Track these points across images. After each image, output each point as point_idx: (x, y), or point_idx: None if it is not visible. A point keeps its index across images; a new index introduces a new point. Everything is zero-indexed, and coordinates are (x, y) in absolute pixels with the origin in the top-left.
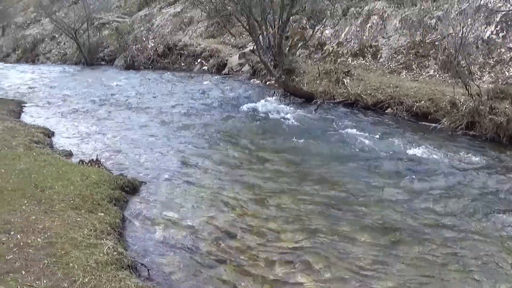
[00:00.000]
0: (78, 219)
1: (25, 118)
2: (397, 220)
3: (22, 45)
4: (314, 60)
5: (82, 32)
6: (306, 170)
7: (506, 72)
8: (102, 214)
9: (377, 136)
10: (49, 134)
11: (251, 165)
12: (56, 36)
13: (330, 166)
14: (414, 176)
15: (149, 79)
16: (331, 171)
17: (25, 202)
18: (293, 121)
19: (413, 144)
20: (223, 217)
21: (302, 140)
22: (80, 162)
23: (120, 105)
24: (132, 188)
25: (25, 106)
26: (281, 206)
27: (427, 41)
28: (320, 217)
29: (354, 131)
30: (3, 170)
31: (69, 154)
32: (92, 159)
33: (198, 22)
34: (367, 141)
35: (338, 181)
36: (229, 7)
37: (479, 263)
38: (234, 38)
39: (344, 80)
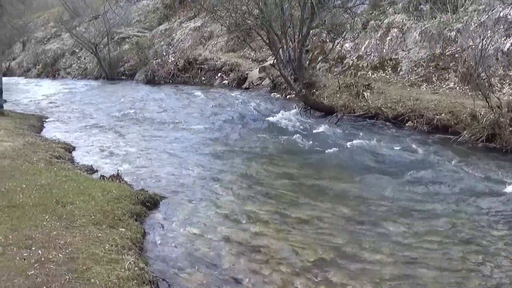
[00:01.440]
0: (99, 234)
1: (46, 133)
2: (419, 235)
3: (43, 60)
4: (334, 73)
5: (102, 46)
6: (326, 184)
7: None
8: (123, 229)
9: (398, 150)
10: (70, 149)
11: (272, 179)
12: (77, 51)
13: (351, 180)
14: (436, 190)
15: (170, 94)
16: (352, 184)
17: (46, 217)
18: (314, 135)
19: (434, 157)
20: (244, 231)
21: (323, 154)
22: (101, 177)
23: (140, 120)
24: (153, 203)
25: (46, 121)
26: (303, 220)
27: (447, 53)
28: (341, 231)
29: (374, 144)
30: (24, 186)
31: (90, 169)
32: (113, 174)
33: (218, 37)
34: (387, 155)
35: (359, 194)
36: (249, 21)
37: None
38: (254, 52)
39: (365, 93)
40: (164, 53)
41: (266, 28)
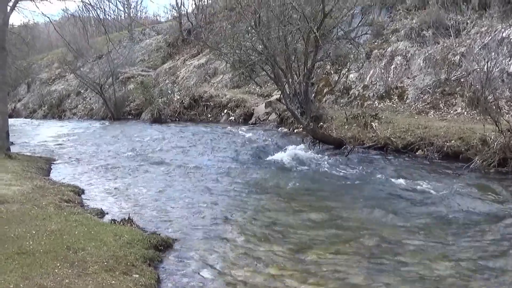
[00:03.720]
0: (113, 281)
1: (54, 175)
2: (437, 271)
3: (48, 101)
4: (341, 105)
5: (107, 86)
6: (340, 220)
7: None
8: (137, 275)
9: (409, 180)
10: (79, 192)
11: (285, 217)
12: (82, 91)
13: (364, 214)
14: (449, 222)
15: (177, 132)
16: (366, 219)
17: (58, 264)
18: (324, 169)
19: (446, 187)
20: (261, 274)
21: (335, 189)
22: (112, 221)
23: (148, 160)
24: (166, 246)
25: (54, 163)
26: (319, 259)
27: (452, 78)
28: (358, 269)
29: (385, 176)
30: (34, 232)
31: (101, 213)
32: (124, 218)
33: (223, 74)
34: (400, 187)
35: (374, 229)
36: (253, 57)
37: None
38: (259, 87)
39: (373, 123)
40: (169, 92)
41: (271, 63)
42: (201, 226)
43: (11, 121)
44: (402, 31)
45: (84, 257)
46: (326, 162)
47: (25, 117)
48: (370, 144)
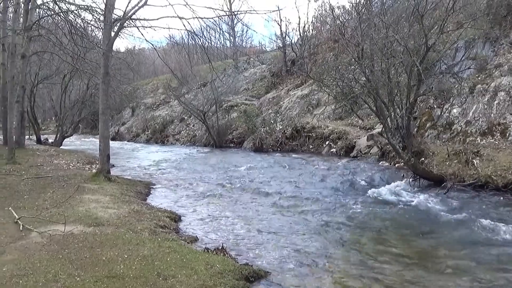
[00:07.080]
0: None
1: (152, 200)
2: None
3: (152, 125)
4: (443, 140)
5: (211, 114)
6: (435, 260)
7: None
8: None
9: (509, 222)
10: (176, 218)
11: (381, 256)
12: (185, 117)
13: (460, 255)
14: None
15: (278, 162)
16: (462, 260)
17: None
18: (423, 206)
19: None
20: None
21: (433, 228)
22: (205, 250)
23: (247, 189)
24: (257, 278)
25: (152, 188)
26: None
27: None
28: None
29: (485, 216)
30: (126, 256)
31: (195, 240)
32: (218, 247)
33: (326, 105)
34: (498, 228)
35: (470, 272)
36: (356, 89)
37: None
38: (362, 120)
39: (474, 161)
40: (272, 121)
41: (373, 96)
42: (294, 260)
43: (114, 144)
44: (506, 66)
45: (174, 285)
46: (425, 199)
47: (128, 141)
48: (471, 181)
